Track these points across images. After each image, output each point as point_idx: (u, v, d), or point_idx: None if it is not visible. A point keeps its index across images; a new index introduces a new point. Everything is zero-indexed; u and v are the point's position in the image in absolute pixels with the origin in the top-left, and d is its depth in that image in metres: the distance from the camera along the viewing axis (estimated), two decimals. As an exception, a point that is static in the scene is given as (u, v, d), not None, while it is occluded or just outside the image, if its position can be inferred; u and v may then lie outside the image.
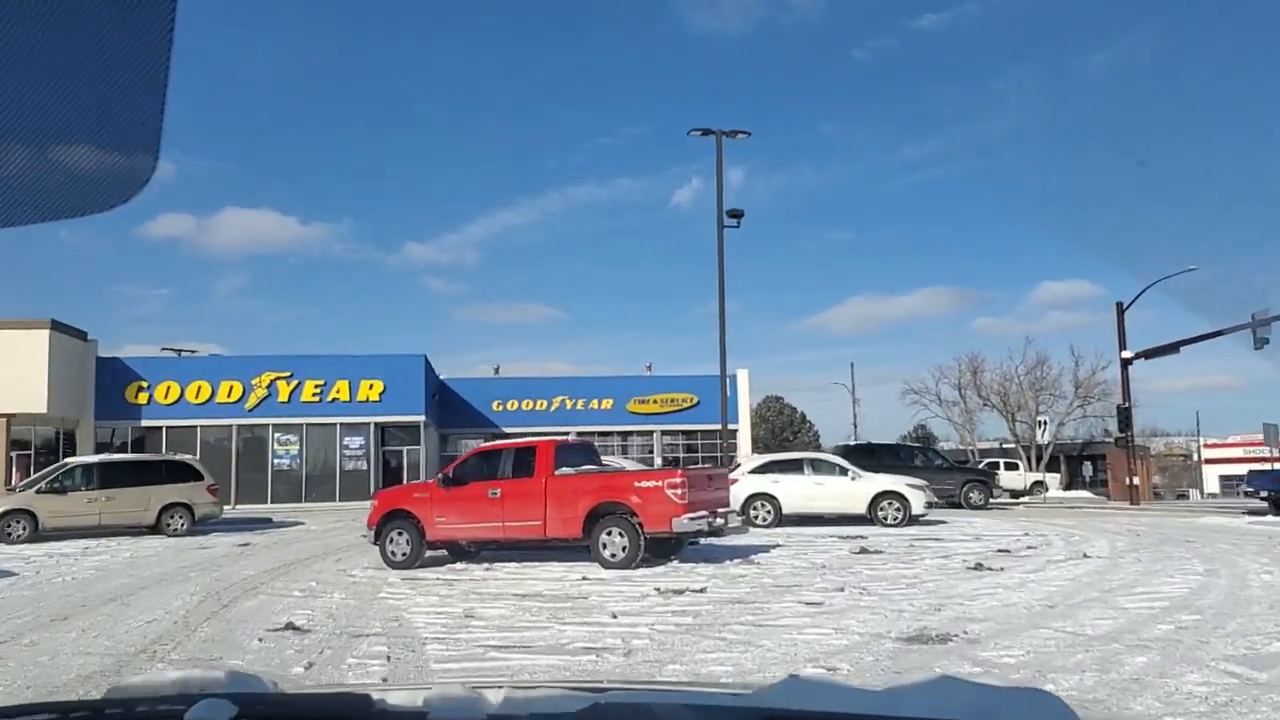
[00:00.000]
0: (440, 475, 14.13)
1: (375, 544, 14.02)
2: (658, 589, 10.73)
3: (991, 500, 28.08)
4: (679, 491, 12.60)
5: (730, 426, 45.68)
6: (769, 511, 20.10)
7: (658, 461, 44.99)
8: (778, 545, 15.70)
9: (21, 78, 1.21)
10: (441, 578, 12.54)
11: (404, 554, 13.63)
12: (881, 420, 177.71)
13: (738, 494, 20.21)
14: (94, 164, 1.37)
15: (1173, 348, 36.14)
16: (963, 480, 28.28)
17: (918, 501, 19.74)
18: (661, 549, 13.66)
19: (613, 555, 12.76)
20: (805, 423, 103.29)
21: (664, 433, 44.83)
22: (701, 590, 10.56)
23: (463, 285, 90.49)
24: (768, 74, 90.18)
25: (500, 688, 1.48)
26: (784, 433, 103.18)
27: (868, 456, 29.29)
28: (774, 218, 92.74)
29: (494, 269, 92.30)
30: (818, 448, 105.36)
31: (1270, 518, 23.29)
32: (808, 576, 11.54)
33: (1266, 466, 36.42)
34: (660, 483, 12.73)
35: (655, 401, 44.39)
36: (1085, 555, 13.28)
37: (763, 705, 1.29)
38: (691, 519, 12.69)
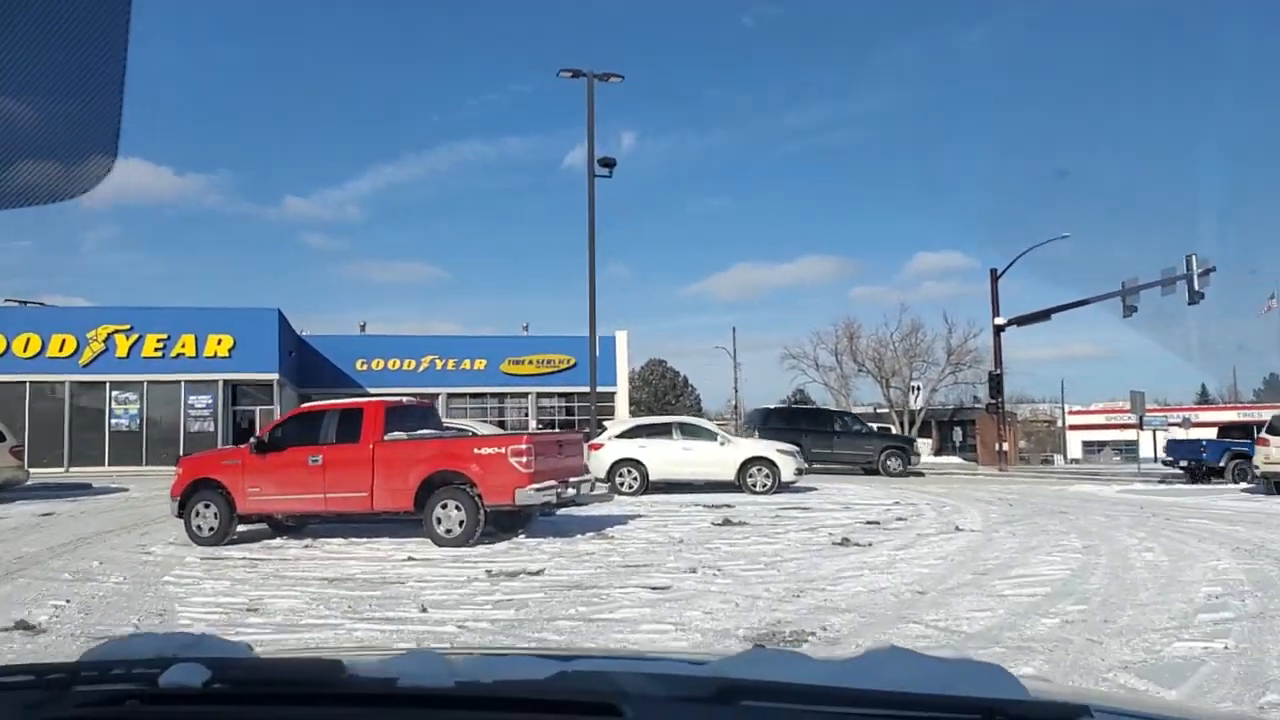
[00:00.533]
0: (253, 440, 12.44)
1: (179, 517, 12.31)
2: (489, 571, 9.42)
3: (908, 468, 27.50)
4: (524, 459, 11.26)
5: (607, 389, 44.53)
6: (635, 479, 18.94)
7: (532, 425, 43.58)
8: (638, 516, 14.56)
9: None
10: (248, 557, 10.97)
11: (210, 529, 11.96)
12: (761, 385, 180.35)
13: (604, 460, 19.04)
14: (55, 155, 1.45)
15: (1044, 315, 36.42)
16: (881, 446, 27.66)
17: (788, 468, 18.89)
18: (509, 522, 12.35)
19: (448, 531, 11.38)
20: (688, 387, 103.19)
21: (540, 395, 43.33)
22: (539, 572, 9.29)
23: (345, 242, 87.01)
24: (657, 35, 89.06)
25: (470, 652, 1.79)
26: (666, 396, 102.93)
27: (787, 421, 28.40)
28: (663, 182, 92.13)
29: (378, 226, 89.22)
30: (699, 412, 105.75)
31: (1139, 485, 23.33)
32: (661, 553, 10.39)
33: (1183, 436, 37.30)
34: (503, 449, 11.35)
35: (531, 363, 42.83)
36: (957, 528, 12.50)
37: (723, 674, 1.31)
38: (538, 489, 11.38)
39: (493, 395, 43.31)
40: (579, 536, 11.88)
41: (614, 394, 43.73)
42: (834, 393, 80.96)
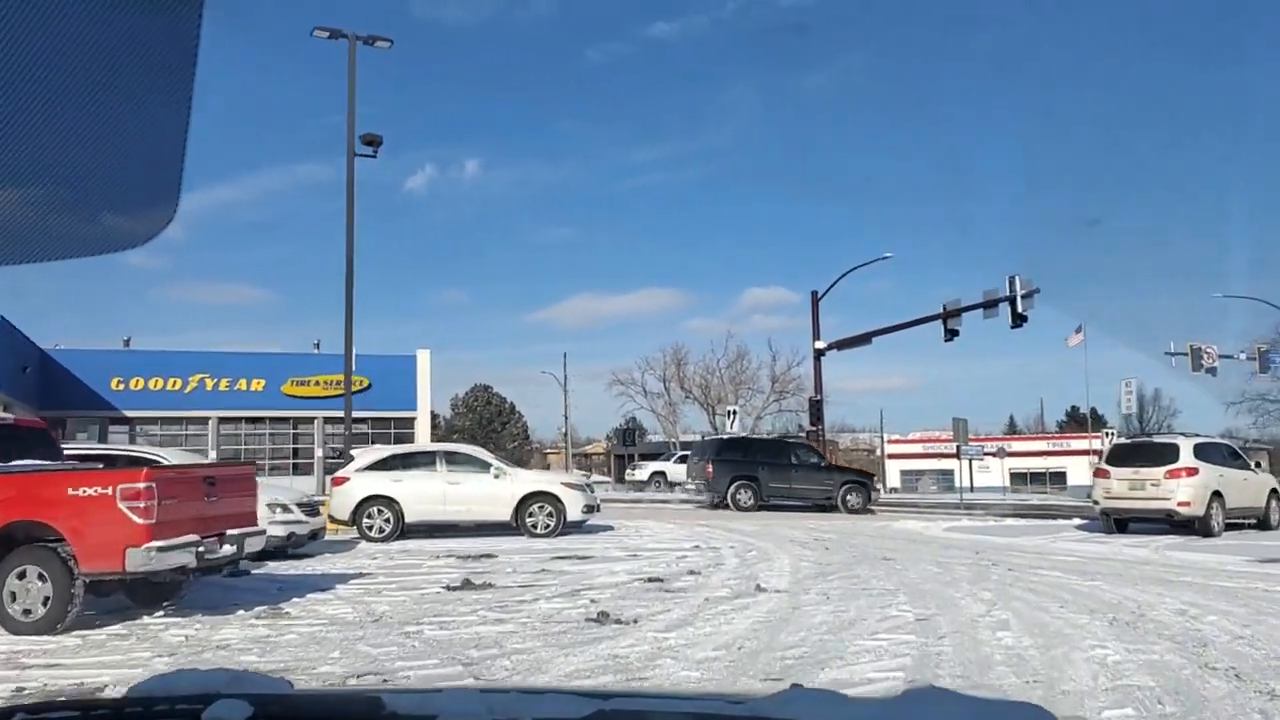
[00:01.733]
0: None
1: None
2: (20, 689, 5.89)
3: (870, 504, 24.94)
4: (142, 505, 7.69)
5: (405, 413, 40.54)
6: (388, 520, 15.42)
7: (318, 454, 39.14)
8: (361, 575, 11.16)
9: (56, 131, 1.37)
10: None
11: None
12: (592, 412, 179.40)
13: (348, 497, 15.52)
14: (119, 206, 1.56)
15: (865, 338, 34.91)
16: (841, 481, 24.88)
17: (574, 505, 15.82)
18: (149, 593, 8.78)
19: (25, 612, 7.71)
20: (515, 413, 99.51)
21: (330, 420, 38.74)
22: (99, 689, 5.83)
23: (166, 260, 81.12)
24: (507, 66, 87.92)
25: (507, 689, 1.82)
26: (492, 423, 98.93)
27: (743, 452, 25.35)
28: (510, 211, 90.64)
29: (205, 246, 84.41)
30: (526, 440, 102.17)
31: (967, 521, 21.41)
32: (329, 645, 7.06)
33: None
34: (110, 490, 7.75)
35: (319, 383, 38.37)
36: (759, 588, 9.64)
37: (761, 714, 1.32)
38: (165, 549, 7.81)
39: (274, 420, 38.62)
40: (240, 613, 8.41)
41: (414, 419, 39.69)
42: (662, 420, 78.84)
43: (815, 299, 36.44)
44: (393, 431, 39.06)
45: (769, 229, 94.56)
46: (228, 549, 8.62)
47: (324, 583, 10.35)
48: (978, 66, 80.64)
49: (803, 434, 44.08)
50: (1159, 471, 15.62)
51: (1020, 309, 28.53)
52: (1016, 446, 68.08)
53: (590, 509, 16.21)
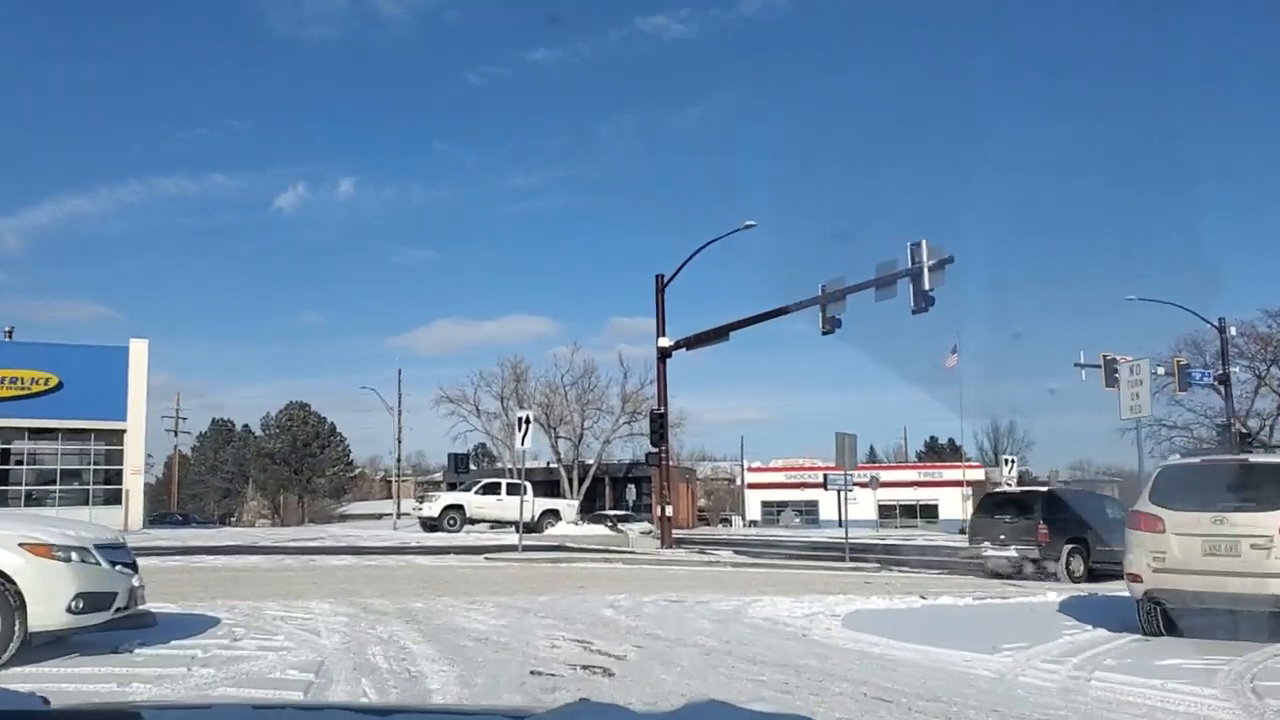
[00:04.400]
0: None
1: None
2: None
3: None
4: None
5: (110, 424, 30.49)
6: None
7: None
8: None
9: None
10: None
11: None
12: (426, 436, 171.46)
13: None
14: None
15: (721, 332, 26.97)
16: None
17: (52, 593, 6.98)
18: None
19: None
20: (335, 434, 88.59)
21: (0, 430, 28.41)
22: None
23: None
24: (384, 85, 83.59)
25: (284, 708, 1.73)
26: (310, 445, 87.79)
27: (1063, 508, 17.90)
28: (378, 232, 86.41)
29: (50, 261, 75.34)
30: (348, 464, 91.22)
31: (876, 603, 13.23)
32: None
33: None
34: None
35: (-15, 382, 28.02)
36: None
37: None
38: None
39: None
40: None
41: (122, 433, 29.55)
42: (497, 443, 69.43)
43: (660, 284, 28.40)
44: (91, 448, 29.04)
45: (637, 259, 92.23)
46: None
47: None
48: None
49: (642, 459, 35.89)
50: (1272, 520, 7.87)
51: (928, 284, 21.06)
52: (886, 476, 61.72)
53: (99, 600, 7.32)
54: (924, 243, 21.33)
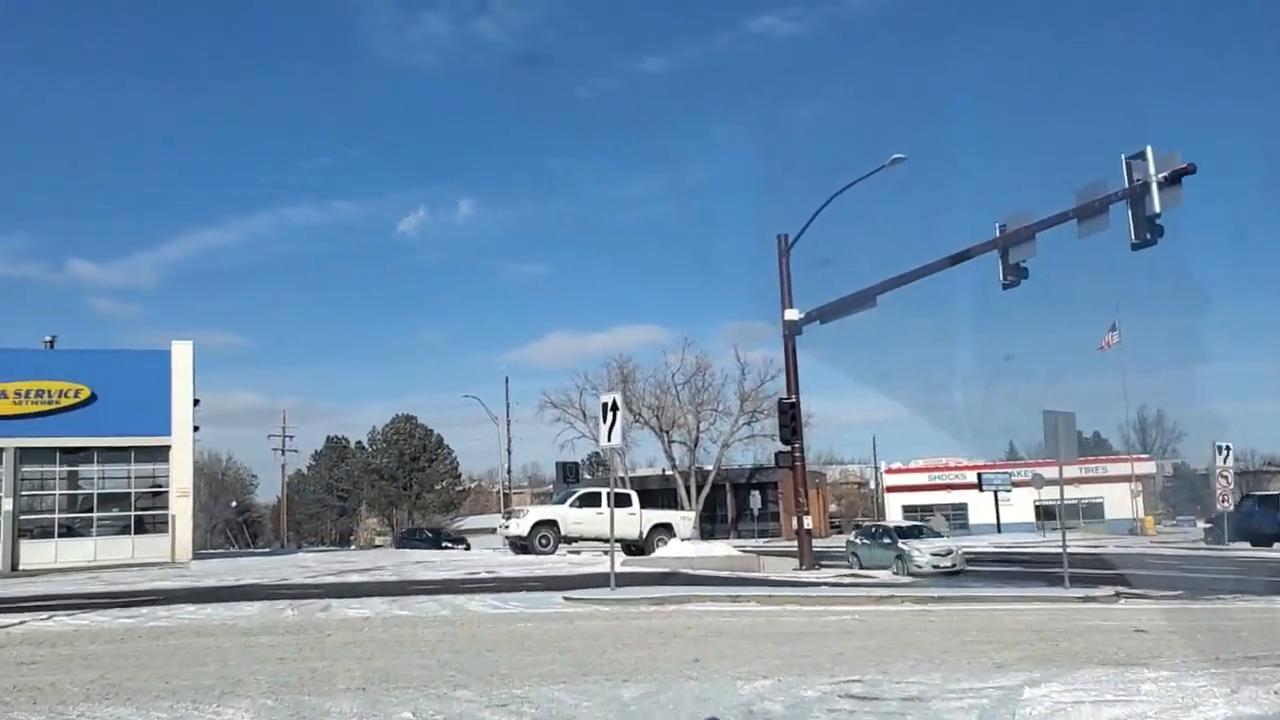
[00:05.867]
0: None
1: None
2: None
3: None
4: None
5: (154, 440, 26.70)
6: None
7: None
8: None
9: None
10: None
11: None
12: (538, 447, 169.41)
13: None
14: None
15: (865, 298, 21.56)
16: None
17: None
18: None
19: None
20: (442, 447, 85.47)
21: (27, 451, 24.86)
22: None
23: (136, 307, 73.14)
24: (496, 106, 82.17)
25: None
26: (418, 459, 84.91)
27: None
28: (493, 250, 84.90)
29: (181, 293, 77.49)
30: (457, 476, 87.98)
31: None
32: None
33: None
34: None
35: (12, 395, 24.51)
36: None
37: None
38: None
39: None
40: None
41: (167, 449, 25.71)
42: (604, 451, 64.67)
43: (783, 246, 23.11)
44: (131, 469, 25.32)
45: (750, 261, 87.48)
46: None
47: None
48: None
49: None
50: None
51: (1157, 205, 15.25)
52: (1049, 473, 54.56)
53: None
54: (1148, 150, 15.51)
